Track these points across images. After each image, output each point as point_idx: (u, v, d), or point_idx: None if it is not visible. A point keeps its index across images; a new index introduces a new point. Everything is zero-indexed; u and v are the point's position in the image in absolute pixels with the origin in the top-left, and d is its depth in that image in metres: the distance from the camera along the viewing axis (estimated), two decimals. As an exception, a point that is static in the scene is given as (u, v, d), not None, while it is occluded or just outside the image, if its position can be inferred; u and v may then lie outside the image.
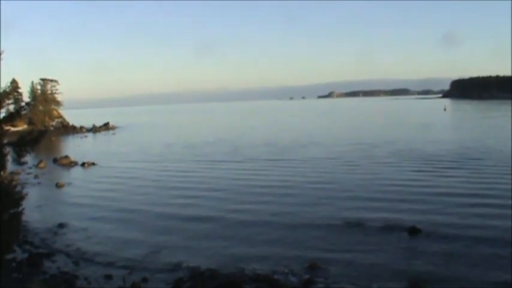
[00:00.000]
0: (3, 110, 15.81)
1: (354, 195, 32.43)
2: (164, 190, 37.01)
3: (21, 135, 16.09)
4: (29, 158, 17.00)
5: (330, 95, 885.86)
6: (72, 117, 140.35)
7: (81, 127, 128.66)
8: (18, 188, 15.19)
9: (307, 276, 18.29)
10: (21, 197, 15.02)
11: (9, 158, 15.24)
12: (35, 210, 30.88)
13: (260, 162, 49.90)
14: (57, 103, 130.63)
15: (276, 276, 18.26)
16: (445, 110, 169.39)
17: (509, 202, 27.55)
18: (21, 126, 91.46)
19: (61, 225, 27.57)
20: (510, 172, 37.60)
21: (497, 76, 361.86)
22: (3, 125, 15.03)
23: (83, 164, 54.22)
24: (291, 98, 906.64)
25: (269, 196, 32.63)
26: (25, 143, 15.64)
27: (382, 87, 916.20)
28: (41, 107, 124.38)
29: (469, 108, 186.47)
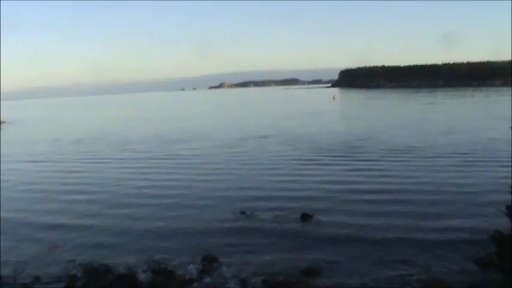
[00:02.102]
0: None
1: (247, 187, 33.07)
2: (48, 194, 34.32)
3: None
4: None
5: (221, 86, 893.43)
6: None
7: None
8: None
9: (201, 267, 18.84)
10: None
11: None
12: None
13: (149, 158, 48.82)
14: None
15: (171, 269, 18.58)
16: (334, 99, 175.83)
17: (395, 196, 28.57)
18: None
19: None
20: (396, 162, 39.94)
21: (383, 66, 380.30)
22: None
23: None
24: (182, 89, 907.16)
25: (159, 197, 31.35)
26: None
27: (272, 78, 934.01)
28: None
29: (357, 97, 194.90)
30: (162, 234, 23.48)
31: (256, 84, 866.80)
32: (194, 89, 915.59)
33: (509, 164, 34.73)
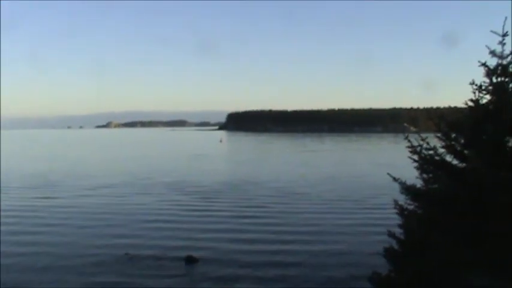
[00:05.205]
0: None
1: (129, 232, 31.97)
2: None
3: None
4: None
5: (108, 125, 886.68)
6: None
7: None
8: None
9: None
10: None
11: None
12: None
13: (22, 205, 43.96)
14: None
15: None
16: (221, 141, 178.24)
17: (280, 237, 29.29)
18: None
19: None
20: (286, 207, 40.57)
21: (271, 110, 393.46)
22: None
23: None
24: (68, 127, 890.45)
25: (34, 252, 27.99)
26: None
27: (160, 119, 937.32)
28: None
29: (244, 140, 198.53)
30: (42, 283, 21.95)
31: (144, 124, 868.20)
32: (81, 127, 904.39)
33: (388, 208, 35.75)
